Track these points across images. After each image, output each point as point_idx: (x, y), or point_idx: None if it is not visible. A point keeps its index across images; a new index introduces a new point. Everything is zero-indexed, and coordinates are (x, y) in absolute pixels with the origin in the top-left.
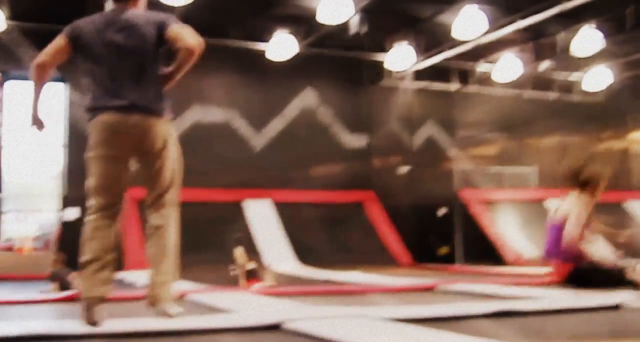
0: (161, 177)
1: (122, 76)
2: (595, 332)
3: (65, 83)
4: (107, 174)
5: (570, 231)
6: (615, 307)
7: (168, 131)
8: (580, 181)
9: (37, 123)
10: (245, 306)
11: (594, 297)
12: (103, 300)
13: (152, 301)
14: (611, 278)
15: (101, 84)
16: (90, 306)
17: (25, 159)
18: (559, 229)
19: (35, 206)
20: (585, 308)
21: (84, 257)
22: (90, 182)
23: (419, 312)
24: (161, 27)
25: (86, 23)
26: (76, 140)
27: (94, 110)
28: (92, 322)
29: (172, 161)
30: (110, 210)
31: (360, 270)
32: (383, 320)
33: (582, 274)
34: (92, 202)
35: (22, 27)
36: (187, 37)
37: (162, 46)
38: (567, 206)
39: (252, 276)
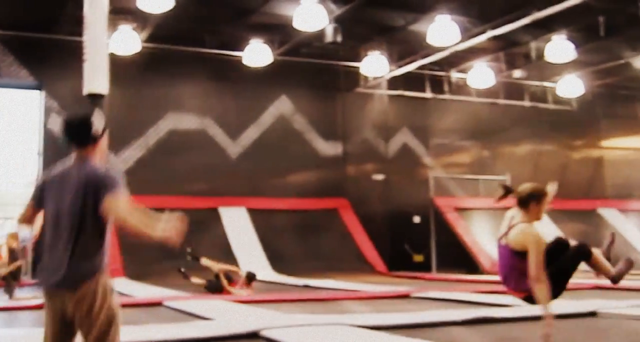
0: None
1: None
2: (572, 339)
3: (40, 90)
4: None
5: (533, 276)
6: (591, 314)
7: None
8: (522, 199)
9: None
10: (223, 313)
11: (569, 304)
12: None
13: None
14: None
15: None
16: None
17: (1, 166)
18: (509, 254)
19: (8, 214)
20: (561, 315)
21: None
22: None
23: (394, 320)
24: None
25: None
26: (51, 148)
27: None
28: None
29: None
30: None
31: (335, 277)
32: (358, 328)
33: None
34: None
35: None
36: (117, 209)
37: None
38: (513, 223)
39: (229, 279)
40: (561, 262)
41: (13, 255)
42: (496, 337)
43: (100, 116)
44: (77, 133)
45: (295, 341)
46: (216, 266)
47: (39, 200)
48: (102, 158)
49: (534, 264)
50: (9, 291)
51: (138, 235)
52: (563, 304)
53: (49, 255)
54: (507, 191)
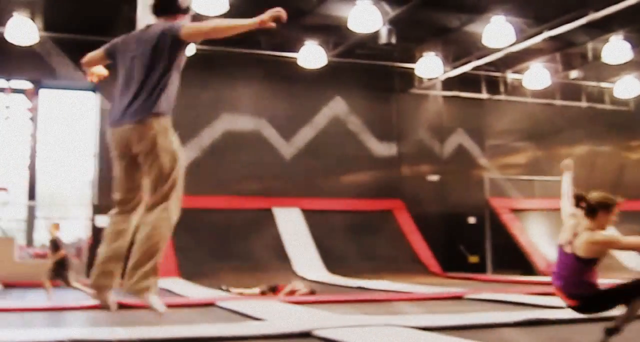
0: (153, 175)
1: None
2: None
3: (96, 93)
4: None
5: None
6: None
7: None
8: (591, 207)
9: None
10: (276, 314)
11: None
12: (107, 288)
13: (132, 289)
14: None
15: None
16: (98, 293)
17: (58, 167)
18: (573, 261)
19: (66, 214)
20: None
21: (98, 249)
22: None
23: (445, 321)
24: (170, 33)
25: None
26: (106, 150)
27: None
28: (105, 306)
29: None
30: (125, 206)
31: (389, 278)
32: (410, 329)
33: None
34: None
35: (55, 38)
36: (198, 27)
37: (176, 50)
38: (578, 230)
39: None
40: (627, 289)
41: (55, 245)
42: (548, 339)
43: None
44: (164, 4)
45: (347, 341)
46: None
47: (110, 51)
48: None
49: (630, 245)
50: (64, 279)
51: (232, 31)
52: None
53: (120, 95)
54: (579, 198)
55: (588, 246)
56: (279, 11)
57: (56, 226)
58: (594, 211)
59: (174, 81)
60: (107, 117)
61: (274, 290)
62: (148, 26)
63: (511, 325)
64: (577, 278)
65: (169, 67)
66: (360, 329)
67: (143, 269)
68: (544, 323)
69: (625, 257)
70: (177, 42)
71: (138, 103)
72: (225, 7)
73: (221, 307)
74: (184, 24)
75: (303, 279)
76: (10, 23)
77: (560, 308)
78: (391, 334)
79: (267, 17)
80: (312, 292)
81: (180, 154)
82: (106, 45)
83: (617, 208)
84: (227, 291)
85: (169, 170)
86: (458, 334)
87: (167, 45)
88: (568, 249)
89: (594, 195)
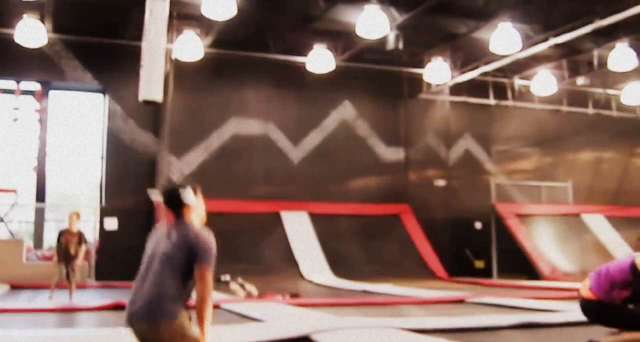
0: None
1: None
2: None
3: (104, 94)
4: None
5: None
6: None
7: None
8: None
9: None
10: (277, 316)
11: None
12: None
13: None
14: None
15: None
16: None
17: (66, 169)
18: (629, 269)
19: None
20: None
21: None
22: None
23: (443, 324)
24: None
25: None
26: (114, 151)
27: None
28: None
29: None
30: None
31: (395, 283)
32: (407, 331)
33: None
34: None
35: (64, 40)
36: (205, 286)
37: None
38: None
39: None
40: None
41: (80, 237)
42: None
43: (190, 190)
44: (171, 200)
45: None
46: (241, 292)
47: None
48: (198, 219)
49: None
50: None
51: (199, 319)
52: None
53: (137, 290)
54: None
55: None
56: None
57: (77, 215)
58: None
59: (191, 289)
60: (127, 307)
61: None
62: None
63: (506, 328)
64: (617, 287)
65: (188, 279)
66: (358, 331)
67: None
68: (538, 326)
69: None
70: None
71: (153, 303)
72: (233, 11)
73: (225, 310)
74: (205, 264)
75: (310, 282)
76: (20, 25)
77: (556, 311)
78: (388, 336)
79: None
80: (296, 295)
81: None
82: None
83: None
84: (226, 282)
85: None
86: (454, 336)
87: (188, 259)
88: (635, 259)
89: None
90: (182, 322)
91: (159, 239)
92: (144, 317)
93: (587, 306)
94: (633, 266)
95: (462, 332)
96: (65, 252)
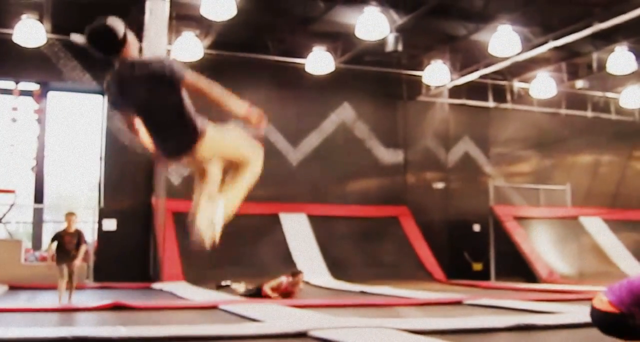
0: None
1: None
2: None
3: (103, 95)
4: None
5: None
6: None
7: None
8: None
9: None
10: (275, 316)
11: None
12: None
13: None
14: None
15: None
16: None
17: (65, 170)
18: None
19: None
20: None
21: None
22: None
23: (440, 325)
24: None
25: None
26: (113, 153)
27: None
28: None
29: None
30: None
31: (393, 285)
32: (403, 331)
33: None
34: None
35: (63, 41)
36: (199, 81)
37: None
38: None
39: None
40: None
41: (79, 237)
42: None
43: (116, 19)
44: (108, 42)
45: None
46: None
47: (115, 104)
48: (137, 49)
49: None
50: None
51: (220, 106)
52: None
53: (161, 137)
54: None
55: None
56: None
57: (74, 215)
58: None
59: (188, 102)
60: (162, 151)
61: (259, 292)
62: (121, 71)
63: (503, 330)
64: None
65: (183, 102)
66: (354, 330)
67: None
68: (536, 328)
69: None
70: (178, 83)
71: (189, 139)
72: (233, 12)
73: (224, 310)
74: (187, 71)
75: (308, 284)
76: (19, 25)
77: (554, 313)
78: (384, 335)
79: (255, 118)
80: (297, 273)
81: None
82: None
83: None
84: (227, 286)
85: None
86: (451, 337)
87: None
88: None
89: None
90: (209, 129)
91: (132, 89)
92: (187, 149)
93: (606, 318)
94: None
95: (459, 333)
96: (64, 253)
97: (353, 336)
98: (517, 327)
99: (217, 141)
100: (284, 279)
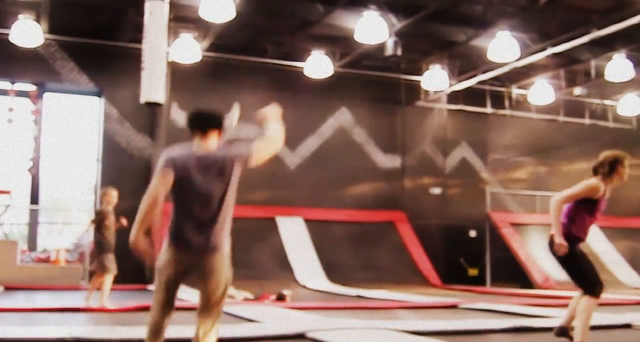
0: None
1: None
2: None
3: (100, 97)
4: None
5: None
6: (627, 326)
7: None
8: (599, 166)
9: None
10: (273, 317)
11: (605, 316)
12: None
13: None
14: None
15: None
16: None
17: (61, 171)
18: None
19: (69, 219)
20: (597, 326)
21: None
22: None
23: (435, 327)
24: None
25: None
26: (110, 155)
27: None
28: None
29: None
30: None
31: (388, 289)
32: (401, 332)
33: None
34: None
35: (59, 41)
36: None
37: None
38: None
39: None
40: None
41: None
42: None
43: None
44: (209, 120)
45: None
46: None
47: (173, 175)
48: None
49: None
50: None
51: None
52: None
53: (194, 224)
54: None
55: None
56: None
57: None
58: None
59: None
60: (180, 240)
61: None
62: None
63: (498, 331)
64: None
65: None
66: (351, 331)
67: None
68: (530, 330)
69: (619, 273)
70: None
71: (216, 237)
72: (232, 14)
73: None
74: (253, 150)
75: (304, 287)
76: (16, 25)
77: (548, 317)
78: (381, 336)
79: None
80: (282, 298)
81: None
82: (165, 169)
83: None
84: None
85: (225, 291)
86: (446, 338)
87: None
88: None
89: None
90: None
91: (202, 170)
92: (207, 248)
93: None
94: None
95: (455, 335)
96: (109, 240)
97: (351, 338)
98: (513, 329)
99: (227, 267)
100: (273, 298)
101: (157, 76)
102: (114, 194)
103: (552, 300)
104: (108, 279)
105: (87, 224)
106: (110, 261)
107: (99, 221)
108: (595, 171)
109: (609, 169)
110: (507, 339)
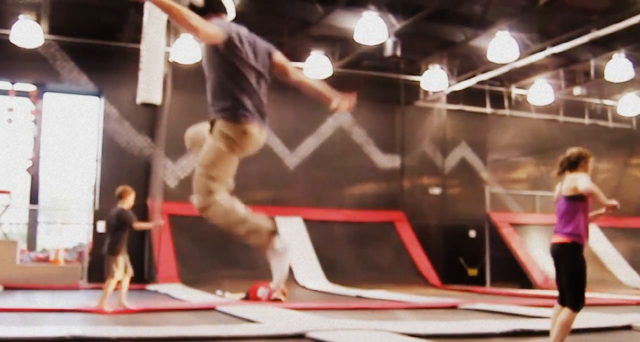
0: None
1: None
2: None
3: (100, 97)
4: None
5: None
6: (627, 327)
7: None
8: (570, 162)
9: None
10: (273, 317)
11: (605, 317)
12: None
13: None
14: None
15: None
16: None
17: (60, 171)
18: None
19: (68, 219)
20: (597, 328)
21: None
22: None
23: (434, 328)
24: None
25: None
26: (110, 155)
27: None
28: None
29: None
30: None
31: (388, 289)
32: (398, 334)
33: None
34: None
35: (59, 42)
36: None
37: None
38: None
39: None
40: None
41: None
42: None
43: None
44: None
45: None
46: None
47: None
48: None
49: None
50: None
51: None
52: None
53: (254, 96)
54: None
55: None
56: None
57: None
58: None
59: None
60: (248, 110)
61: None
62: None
63: (498, 335)
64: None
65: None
66: (351, 332)
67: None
68: (531, 333)
69: (620, 273)
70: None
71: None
72: (232, 15)
73: (221, 312)
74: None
75: (304, 287)
76: (16, 26)
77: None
78: (380, 338)
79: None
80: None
81: None
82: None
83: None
84: (222, 296)
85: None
86: (448, 340)
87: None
88: None
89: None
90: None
91: (252, 48)
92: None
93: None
94: None
95: (455, 337)
96: (124, 242)
97: (351, 338)
98: (514, 332)
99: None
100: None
101: (155, 77)
102: (133, 194)
103: (552, 300)
104: (125, 280)
105: (136, 223)
106: (120, 263)
107: (127, 221)
108: (575, 165)
109: (575, 163)
110: (507, 341)
